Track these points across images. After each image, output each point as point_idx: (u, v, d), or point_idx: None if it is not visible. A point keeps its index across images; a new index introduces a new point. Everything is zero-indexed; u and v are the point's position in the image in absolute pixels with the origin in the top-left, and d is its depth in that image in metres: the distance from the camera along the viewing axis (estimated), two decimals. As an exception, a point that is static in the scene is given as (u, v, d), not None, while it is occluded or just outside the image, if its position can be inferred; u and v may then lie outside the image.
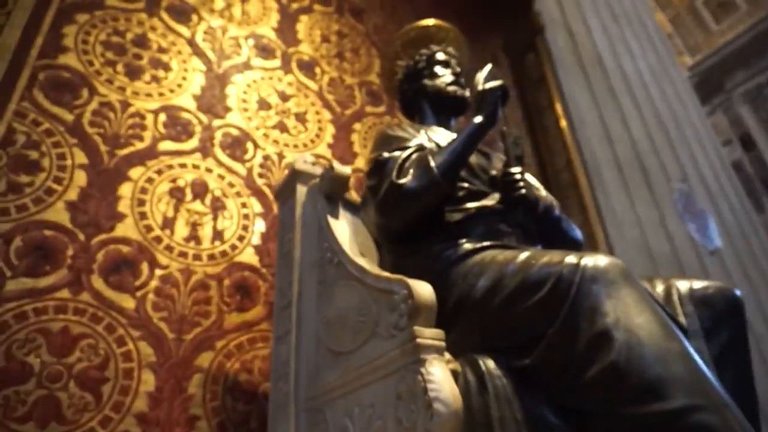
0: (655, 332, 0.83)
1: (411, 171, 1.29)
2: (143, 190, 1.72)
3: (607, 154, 3.17)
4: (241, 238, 1.83)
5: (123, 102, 1.83)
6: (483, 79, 1.43)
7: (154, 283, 1.60)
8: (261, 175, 2.00)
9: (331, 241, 1.33)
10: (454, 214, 1.32)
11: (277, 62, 2.32)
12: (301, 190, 1.54)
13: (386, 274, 1.09)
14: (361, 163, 2.31)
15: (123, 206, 1.66)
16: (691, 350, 0.83)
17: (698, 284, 1.12)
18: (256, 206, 1.93)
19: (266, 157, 2.06)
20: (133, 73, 1.91)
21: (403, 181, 1.28)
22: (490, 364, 0.98)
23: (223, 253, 1.77)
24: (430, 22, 1.90)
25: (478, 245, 1.21)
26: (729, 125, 10.63)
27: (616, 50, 4.03)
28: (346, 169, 1.42)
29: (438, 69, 1.76)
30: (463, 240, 1.26)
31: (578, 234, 1.51)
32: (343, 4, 2.78)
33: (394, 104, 2.63)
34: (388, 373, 0.98)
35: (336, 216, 1.41)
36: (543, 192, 1.52)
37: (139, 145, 1.79)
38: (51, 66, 1.74)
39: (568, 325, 0.88)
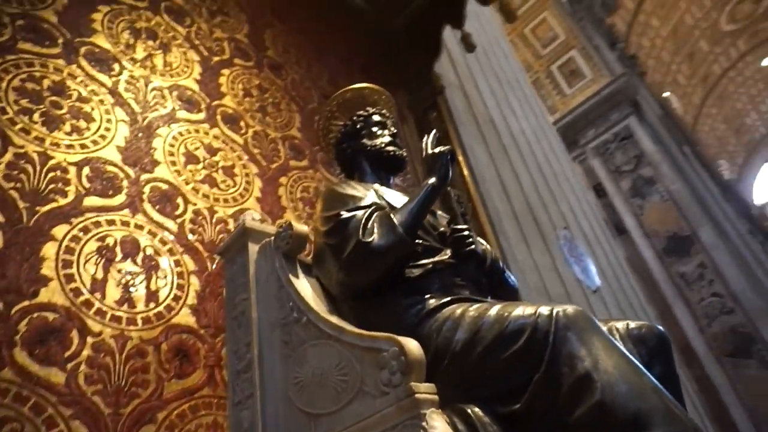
0: (627, 370, 0.95)
1: (376, 230, 1.35)
2: (69, 250, 1.58)
3: (505, 206, 3.47)
4: (176, 299, 1.74)
5: (42, 154, 1.68)
6: (431, 143, 1.55)
7: (86, 353, 1.46)
8: (192, 231, 1.93)
9: (296, 300, 1.33)
10: (413, 269, 1.39)
11: (202, 115, 2.28)
12: (253, 248, 1.52)
13: (368, 332, 1.12)
14: (289, 216, 2.31)
15: (47, 269, 1.51)
16: (657, 382, 0.96)
17: (632, 324, 1.29)
18: (190, 264, 1.85)
19: (197, 213, 1.99)
20: (52, 123, 1.77)
21: (369, 239, 1.33)
22: (478, 411, 1.04)
23: (159, 316, 1.67)
24: (363, 85, 2.00)
25: (443, 300, 1.29)
26: (584, 176, 11.99)
27: (503, 111, 4.47)
28: (303, 228, 1.44)
29: (376, 129, 1.86)
30: (427, 295, 1.33)
31: (515, 281, 1.66)
32: (261, 59, 2.82)
33: (316, 158, 2.68)
34: (384, 430, 1.00)
35: (296, 275, 1.41)
36: (485, 245, 1.65)
37: (62, 201, 1.65)
38: (-43, 114, 1.57)
39: (550, 371, 0.98)
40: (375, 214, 1.40)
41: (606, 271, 4.17)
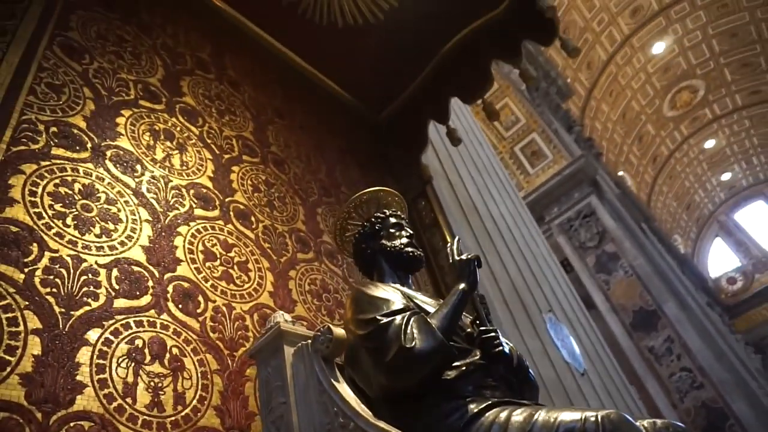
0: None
1: (416, 335, 1.43)
2: (102, 354, 1.59)
3: (495, 291, 3.59)
4: (201, 400, 1.74)
5: (75, 257, 1.72)
6: (456, 250, 1.68)
7: (120, 464, 1.45)
8: (213, 329, 1.96)
9: (341, 406, 1.37)
10: (448, 371, 1.47)
11: (216, 212, 2.37)
12: (288, 351, 1.57)
13: (425, 439, 1.18)
14: (300, 310, 2.36)
15: (81, 375, 1.51)
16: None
17: (659, 423, 1.38)
18: (213, 363, 1.86)
19: (216, 310, 2.03)
20: (84, 226, 1.82)
21: (411, 345, 1.41)
22: None
23: (186, 419, 1.66)
24: (378, 189, 2.15)
25: (483, 405, 1.37)
26: (551, 252, 12.31)
27: (484, 197, 4.71)
28: (341, 331, 1.51)
29: (393, 231, 1.99)
30: (466, 398, 1.40)
31: (534, 377, 1.74)
32: (266, 155, 2.96)
33: (320, 250, 2.78)
34: None
35: (337, 379, 1.46)
36: (510, 344, 1.74)
37: (94, 304, 1.67)
38: (-2, 221, 1.61)
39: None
40: (412, 319, 1.49)
41: (589, 352, 4.28)
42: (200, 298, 2.00)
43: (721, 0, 17.29)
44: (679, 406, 9.76)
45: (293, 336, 1.59)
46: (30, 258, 1.61)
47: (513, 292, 3.76)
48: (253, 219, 2.52)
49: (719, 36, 18.36)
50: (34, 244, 1.65)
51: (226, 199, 2.47)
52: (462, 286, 1.59)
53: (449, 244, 1.81)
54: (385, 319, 1.50)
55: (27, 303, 1.52)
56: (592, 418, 1.12)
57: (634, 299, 11.25)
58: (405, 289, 1.77)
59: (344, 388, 1.42)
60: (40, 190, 1.78)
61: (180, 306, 1.91)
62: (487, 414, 1.33)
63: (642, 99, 19.86)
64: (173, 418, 1.63)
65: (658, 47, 18.58)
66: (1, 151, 1.74)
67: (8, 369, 1.38)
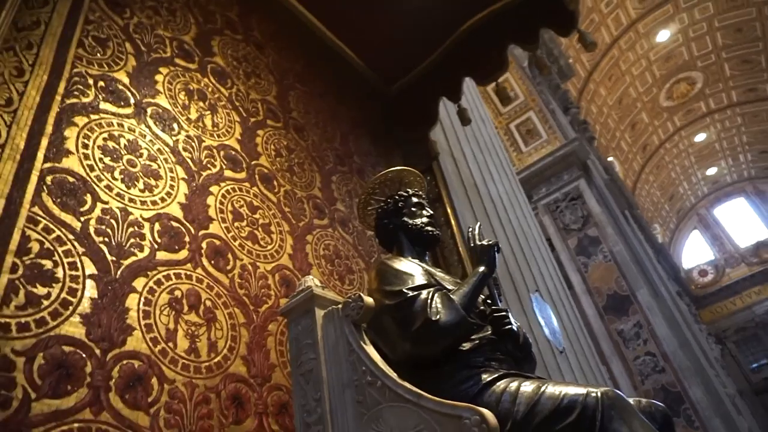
0: (655, 441, 1.25)
1: (440, 309, 1.61)
2: (147, 302, 1.74)
3: (489, 268, 3.79)
4: (231, 349, 1.91)
5: (123, 210, 1.85)
6: (478, 235, 1.85)
7: (164, 399, 1.62)
8: (240, 286, 2.12)
9: (369, 365, 1.55)
10: (464, 344, 1.66)
11: (244, 174, 2.49)
12: (319, 313, 1.74)
13: (447, 401, 1.36)
14: (315, 274, 2.52)
15: (131, 319, 1.67)
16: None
17: (643, 401, 1.59)
18: (240, 317, 2.03)
19: (243, 268, 2.18)
20: (129, 180, 1.94)
21: (436, 318, 1.59)
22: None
23: (218, 365, 1.84)
24: (403, 168, 2.29)
25: (495, 375, 1.56)
26: (541, 233, 12.60)
27: (484, 176, 4.86)
28: (371, 300, 1.67)
29: (415, 210, 2.14)
30: (480, 369, 1.59)
31: (534, 355, 1.95)
32: (288, 120, 3.06)
33: (334, 217, 2.92)
34: (465, 484, 1.23)
35: (365, 341, 1.63)
36: (518, 323, 1.93)
37: (140, 255, 1.81)
38: (56, 170, 1.72)
39: (601, 440, 1.26)
40: (437, 295, 1.67)
41: (569, 332, 4.54)
42: (229, 256, 2.15)
43: (731, -7, 17.27)
44: (639, 388, 10.26)
45: (323, 300, 1.75)
46: (85, 207, 1.74)
47: (505, 271, 3.97)
48: (275, 183, 2.65)
49: (724, 29, 18.39)
50: (88, 195, 1.77)
51: (252, 162, 2.58)
52: (482, 269, 1.77)
53: (470, 229, 1.97)
54: (411, 293, 1.68)
55: (84, 249, 1.66)
56: (593, 394, 1.32)
57: (610, 283, 11.61)
58: (425, 266, 1.94)
59: (372, 351, 1.60)
60: (91, 143, 1.89)
61: (212, 262, 2.06)
62: (498, 383, 1.52)
63: (640, 86, 19.96)
64: (207, 364, 1.81)
65: (663, 35, 18.57)
66: (57, 103, 1.84)
67: (71, 308, 1.53)
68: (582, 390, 1.35)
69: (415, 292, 1.68)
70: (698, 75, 20.01)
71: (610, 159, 19.10)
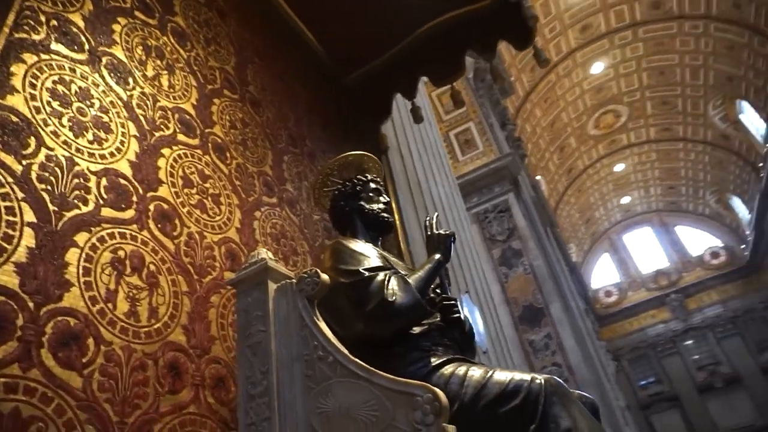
0: (594, 427, 1.33)
1: (397, 291, 1.63)
2: (88, 258, 1.64)
3: (426, 265, 3.86)
4: (172, 317, 1.84)
5: (69, 159, 1.73)
6: (435, 224, 1.89)
7: (99, 361, 1.53)
8: (186, 254, 2.03)
9: (321, 340, 1.55)
10: (415, 328, 1.69)
11: (197, 141, 2.40)
12: (271, 286, 1.71)
13: (399, 378, 1.38)
14: (261, 249, 2.46)
15: (70, 274, 1.56)
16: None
17: (575, 392, 1.69)
18: (183, 285, 1.95)
19: (190, 236, 2.10)
20: (78, 129, 1.82)
21: (392, 299, 1.61)
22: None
23: (158, 332, 1.76)
24: (363, 153, 2.30)
25: (443, 359, 1.60)
26: (473, 238, 12.95)
27: (428, 176, 4.96)
28: (326, 277, 1.67)
29: (372, 195, 2.16)
30: (428, 352, 1.63)
31: (476, 343, 2.02)
32: (244, 93, 2.98)
33: (282, 197, 2.88)
34: (413, 460, 1.26)
35: (317, 317, 1.62)
36: (465, 313, 1.99)
37: (84, 209, 1.70)
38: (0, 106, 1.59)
39: (541, 425, 1.32)
40: (393, 277, 1.69)
41: (491, 335, 4.72)
42: (177, 222, 2.06)
43: (659, 38, 18.60)
44: (544, 395, 10.79)
45: (276, 273, 1.73)
46: (28, 151, 1.61)
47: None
48: (228, 155, 2.57)
49: (650, 70, 19.81)
50: (32, 138, 1.64)
51: (206, 130, 2.49)
52: (438, 257, 1.81)
53: (428, 218, 2.01)
54: (368, 273, 1.69)
55: (24, 195, 1.53)
56: (537, 380, 1.39)
57: (527, 295, 12.14)
58: (379, 250, 1.96)
59: (324, 327, 1.59)
60: (39, 84, 1.75)
61: (159, 225, 1.97)
62: (446, 367, 1.56)
63: (572, 112, 21.07)
64: (146, 330, 1.72)
65: (597, 67, 19.72)
66: (4, 35, 1.69)
67: (5, 256, 1.41)
68: (527, 376, 1.42)
69: (372, 273, 1.69)
70: (624, 109, 21.41)
71: (537, 177, 20.01)
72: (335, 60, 4.32)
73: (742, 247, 22.76)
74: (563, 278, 13.68)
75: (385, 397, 1.37)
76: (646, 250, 25.42)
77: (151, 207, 1.97)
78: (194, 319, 1.92)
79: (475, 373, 1.49)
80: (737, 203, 22.66)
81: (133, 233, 1.84)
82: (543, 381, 1.38)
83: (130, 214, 1.86)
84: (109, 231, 1.75)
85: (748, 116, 18.76)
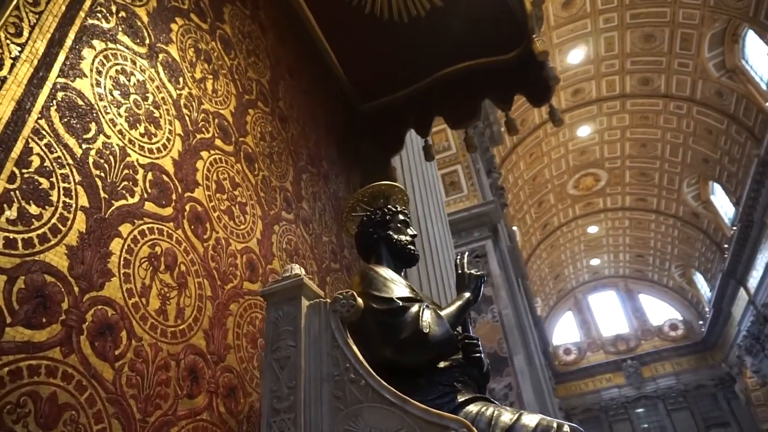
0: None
1: (431, 324, 1.67)
2: (129, 250, 1.63)
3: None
4: (196, 320, 1.83)
5: (122, 149, 1.74)
6: (467, 263, 1.94)
7: (129, 355, 1.51)
8: (212, 258, 2.04)
9: (353, 363, 1.56)
10: (442, 362, 1.72)
11: (232, 148, 2.42)
12: (304, 303, 1.72)
13: (433, 410, 1.41)
14: (276, 265, 2.47)
15: (112, 264, 1.55)
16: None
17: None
18: (207, 289, 1.95)
19: (218, 241, 2.10)
20: (133, 121, 1.83)
21: (426, 331, 1.64)
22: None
23: (183, 333, 1.75)
24: (396, 184, 2.37)
25: (468, 396, 1.63)
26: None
27: (425, 213, 5.03)
28: (361, 302, 1.69)
29: (401, 226, 2.20)
30: (453, 387, 1.66)
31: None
32: (275, 108, 3.02)
33: (299, 215, 2.90)
34: (444, 494, 1.28)
35: (350, 340, 1.64)
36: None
37: (130, 200, 1.70)
38: (69, 88, 1.59)
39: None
40: (428, 310, 1.72)
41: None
42: (208, 225, 2.07)
43: (645, 112, 19.43)
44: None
45: (309, 290, 1.75)
46: (89, 135, 1.61)
47: (431, 306, 4.11)
48: (256, 165, 2.59)
49: (632, 141, 20.59)
50: (93, 124, 1.65)
51: (240, 139, 2.52)
52: (468, 295, 1.86)
53: (459, 256, 2.07)
54: (402, 303, 1.72)
55: (81, 179, 1.54)
56: (565, 428, 1.43)
57: (492, 343, 12.18)
58: (406, 281, 1.99)
59: (356, 350, 1.61)
60: (104, 71, 1.77)
61: (192, 227, 1.97)
62: (470, 405, 1.59)
63: (554, 170, 21.66)
64: (173, 329, 1.71)
65: (584, 130, 20.41)
66: (80, 19, 1.71)
67: (59, 237, 1.41)
68: (554, 423, 1.46)
69: (407, 303, 1.73)
70: (604, 174, 22.10)
71: (514, 228, 20.37)
72: (355, 87, 4.42)
73: (700, 323, 23.41)
74: (529, 330, 13.80)
75: (418, 427, 1.39)
76: (609, 314, 25.90)
77: (187, 207, 1.98)
78: (214, 325, 1.91)
79: (503, 414, 1.53)
80: (700, 280, 23.40)
81: (170, 231, 1.84)
82: (569, 429, 1.43)
83: (168, 211, 1.87)
84: (149, 226, 1.75)
85: (719, 198, 19.58)
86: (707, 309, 22.16)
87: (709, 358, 22.56)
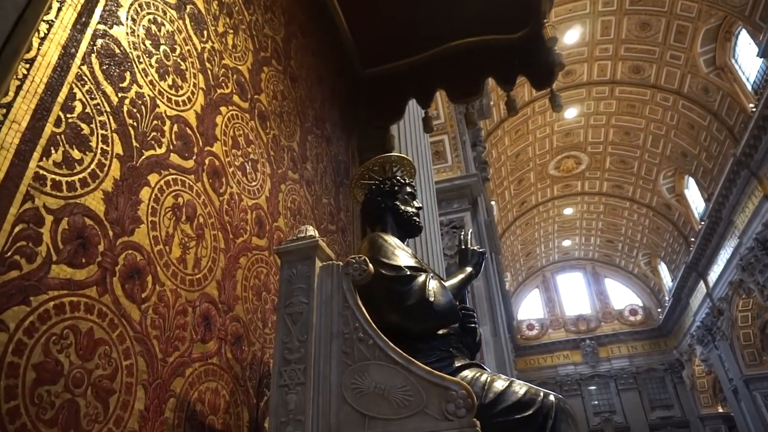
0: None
1: (436, 294, 1.79)
2: (156, 199, 1.70)
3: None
4: (210, 270, 1.92)
5: (152, 99, 1.78)
6: (470, 240, 2.06)
7: (154, 299, 1.60)
8: (227, 213, 2.11)
9: (362, 323, 1.68)
10: (442, 330, 1.86)
11: (247, 105, 2.46)
12: (318, 263, 1.82)
13: (436, 372, 1.54)
14: (281, 223, 2.56)
15: (141, 211, 1.62)
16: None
17: None
18: (221, 242, 2.03)
19: (232, 196, 2.17)
20: (162, 72, 1.86)
21: (432, 299, 1.76)
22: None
23: (199, 282, 1.84)
24: (406, 156, 2.44)
25: (464, 362, 1.78)
26: (442, 249, 13.18)
27: (417, 183, 5.13)
28: (372, 268, 1.80)
29: (408, 198, 2.30)
30: (450, 352, 1.80)
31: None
32: (287, 67, 3.05)
33: (303, 175, 2.97)
34: (441, 446, 1.42)
35: (361, 302, 1.75)
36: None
37: (158, 151, 1.76)
38: (108, 35, 1.62)
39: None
40: (433, 280, 1.84)
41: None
42: (224, 180, 2.13)
43: (632, 101, 19.64)
44: (458, 409, 11.22)
45: (322, 252, 1.84)
46: (124, 84, 1.65)
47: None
48: (268, 124, 2.64)
49: (616, 128, 20.87)
50: (128, 73, 1.69)
51: (255, 96, 2.56)
52: (470, 270, 1.99)
53: (463, 233, 2.18)
54: (410, 271, 1.84)
55: (116, 126, 1.58)
56: (551, 397, 1.59)
57: (462, 312, 12.45)
58: (411, 251, 2.11)
59: (366, 312, 1.72)
60: (138, 20, 1.79)
61: (210, 181, 2.04)
62: (466, 371, 1.74)
63: (538, 149, 21.88)
64: (190, 278, 1.80)
65: (571, 112, 20.57)
66: (118, -34, 1.72)
67: (97, 182, 1.47)
68: (541, 392, 1.62)
69: (414, 272, 1.85)
70: (585, 158, 22.41)
71: (492, 202, 20.67)
72: (360, 51, 4.42)
73: (659, 310, 24.37)
74: (497, 303, 14.21)
75: (420, 386, 1.52)
76: (574, 294, 26.72)
77: (206, 161, 2.04)
78: (226, 276, 2.00)
79: (496, 381, 1.68)
80: (664, 269, 24.24)
81: (191, 183, 1.91)
82: (555, 398, 1.58)
83: (190, 164, 1.93)
84: (173, 177, 1.81)
85: (692, 193, 20.14)
86: (667, 298, 23.07)
87: (662, 344, 23.61)
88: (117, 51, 1.65)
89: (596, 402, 22.94)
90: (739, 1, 13.97)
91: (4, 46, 1.26)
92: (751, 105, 14.22)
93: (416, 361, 1.56)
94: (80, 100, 1.46)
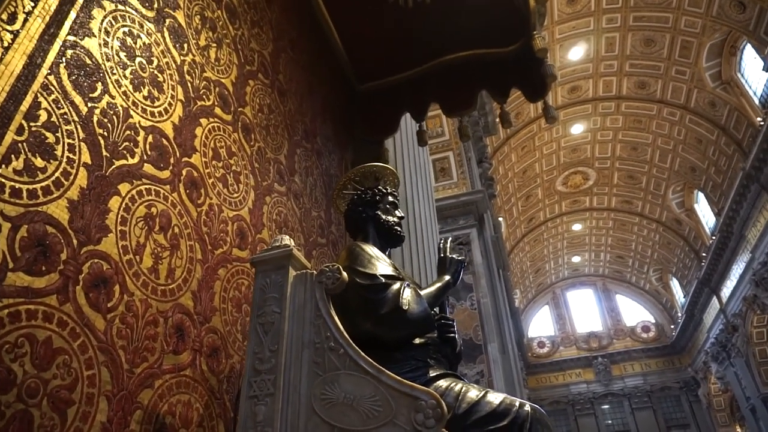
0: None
1: (410, 303, 1.76)
2: (126, 209, 1.69)
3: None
4: (185, 281, 1.90)
5: (125, 110, 1.78)
6: (449, 248, 2.03)
7: (121, 309, 1.58)
8: (205, 223, 2.10)
9: (334, 333, 1.65)
10: (418, 339, 1.82)
11: (230, 117, 2.47)
12: (291, 272, 1.80)
13: (407, 381, 1.50)
14: (265, 236, 2.55)
15: (110, 220, 1.61)
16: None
17: None
18: (198, 252, 2.02)
19: (211, 207, 2.16)
20: (137, 84, 1.87)
21: (405, 308, 1.73)
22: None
23: (172, 292, 1.82)
24: (388, 167, 2.43)
25: (438, 372, 1.73)
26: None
27: (414, 195, 5.12)
28: (346, 276, 1.77)
29: (389, 208, 2.28)
30: (426, 362, 1.76)
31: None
32: (275, 81, 3.06)
33: (290, 188, 2.96)
34: (409, 458, 1.38)
35: (333, 311, 1.72)
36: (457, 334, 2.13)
37: (131, 161, 1.76)
38: (78, 46, 1.63)
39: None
40: (408, 289, 1.81)
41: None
42: (202, 191, 2.13)
43: (639, 116, 19.58)
44: None
45: (297, 261, 1.82)
46: (95, 94, 1.66)
47: (412, 288, 4.22)
48: (252, 136, 2.65)
49: (624, 143, 20.77)
50: (99, 84, 1.69)
51: (239, 109, 2.57)
52: (448, 278, 1.95)
53: (442, 241, 2.15)
54: (385, 280, 1.81)
55: (84, 136, 1.59)
56: (526, 407, 1.54)
57: (468, 330, 12.37)
58: (390, 260, 2.08)
59: (338, 321, 1.69)
60: (112, 32, 1.81)
61: (187, 191, 2.03)
62: (441, 381, 1.69)
63: (545, 165, 21.81)
64: (163, 288, 1.78)
65: (577, 128, 20.54)
66: (92, -21, 1.74)
67: (61, 190, 1.46)
68: (516, 401, 1.57)
69: (389, 281, 1.81)
70: (593, 173, 22.30)
71: (500, 219, 20.57)
72: (355, 67, 4.45)
73: (672, 327, 23.95)
74: (505, 320, 14.04)
75: (390, 396, 1.48)
76: (585, 311, 26.37)
77: (184, 172, 2.04)
78: (202, 288, 1.99)
79: (470, 390, 1.63)
80: (676, 285, 23.88)
81: (166, 194, 1.90)
82: (530, 408, 1.53)
83: (166, 174, 1.92)
84: (147, 187, 1.81)
85: (702, 208, 19.92)
86: (680, 314, 22.68)
87: (676, 361, 23.15)
88: (88, 62, 1.66)
89: (610, 421, 22.45)
90: (743, 17, 13.96)
91: (-37, 55, 1.27)
92: (759, 119, 14.11)
93: (387, 371, 1.52)
94: (45, 108, 1.46)
